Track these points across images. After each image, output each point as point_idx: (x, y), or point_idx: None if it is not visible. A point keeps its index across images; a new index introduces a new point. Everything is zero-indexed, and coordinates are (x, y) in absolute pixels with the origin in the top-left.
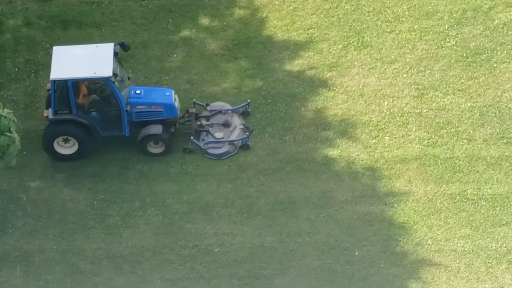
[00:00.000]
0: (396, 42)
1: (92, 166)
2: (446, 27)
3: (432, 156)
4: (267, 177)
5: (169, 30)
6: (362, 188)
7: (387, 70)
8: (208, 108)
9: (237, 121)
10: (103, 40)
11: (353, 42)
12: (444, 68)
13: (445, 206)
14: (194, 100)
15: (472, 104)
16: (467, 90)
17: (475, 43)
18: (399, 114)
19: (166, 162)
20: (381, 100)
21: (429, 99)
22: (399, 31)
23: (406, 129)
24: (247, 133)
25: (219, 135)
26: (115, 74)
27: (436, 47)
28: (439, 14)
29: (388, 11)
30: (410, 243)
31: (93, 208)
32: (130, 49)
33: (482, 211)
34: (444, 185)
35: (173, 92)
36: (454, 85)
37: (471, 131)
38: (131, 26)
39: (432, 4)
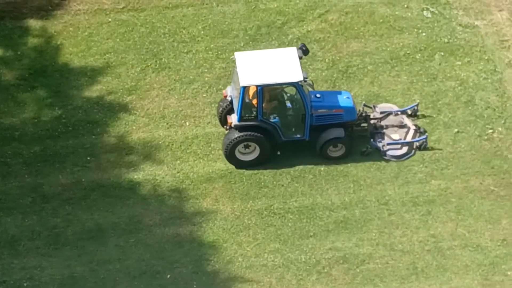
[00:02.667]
0: (194, 62)
1: None
2: (242, 44)
3: (237, 173)
4: (73, 206)
5: None
6: (169, 210)
7: (186, 90)
8: (376, 109)
9: (409, 122)
10: None
11: (150, 64)
12: None
13: (253, 222)
14: (363, 103)
15: None
16: None
17: None
18: (202, 134)
19: None
20: (183, 121)
21: None
22: (196, 51)
23: (209, 148)
24: (426, 134)
25: (395, 136)
26: (304, 78)
27: (234, 65)
28: (234, 32)
29: (184, 31)
30: (221, 262)
31: None
32: (309, 53)
33: (289, 224)
34: (251, 201)
35: (350, 94)
36: None
37: None
38: None
39: (227, 23)
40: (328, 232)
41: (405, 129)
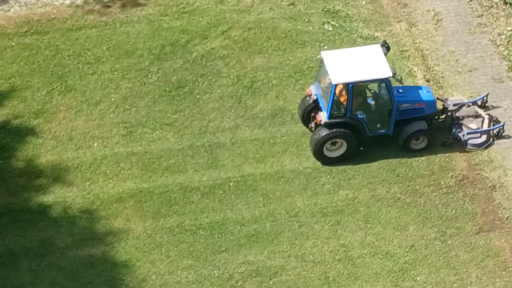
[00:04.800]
0: (100, 83)
1: None
2: (147, 64)
3: (147, 192)
4: None
5: None
6: (81, 232)
7: (93, 111)
8: (449, 102)
9: (482, 112)
10: None
11: (56, 87)
12: (150, 104)
13: (165, 239)
14: (436, 96)
15: (180, 136)
16: (174, 124)
17: (177, 77)
18: (110, 154)
19: None
20: (91, 142)
21: (138, 136)
22: (101, 72)
23: (118, 168)
24: (502, 122)
25: (473, 126)
26: (394, 74)
27: (139, 84)
28: (139, 51)
29: (88, 53)
30: (135, 281)
31: None
32: (390, 50)
33: (201, 240)
34: (162, 219)
35: (430, 89)
36: (161, 120)
37: (182, 163)
38: None
39: (131, 43)
40: (240, 246)
41: (480, 119)
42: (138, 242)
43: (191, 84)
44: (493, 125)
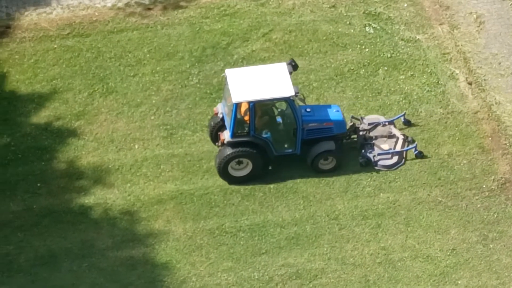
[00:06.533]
0: (141, 85)
1: None
2: (188, 66)
3: (187, 194)
4: (25, 232)
5: None
6: (122, 233)
7: (134, 113)
8: (364, 121)
9: (397, 132)
10: None
11: (98, 89)
12: (190, 106)
13: (205, 241)
14: (351, 115)
15: None
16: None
17: (218, 79)
18: (151, 156)
19: None
20: (132, 144)
21: (179, 138)
22: (142, 74)
23: (159, 170)
24: (415, 143)
25: (385, 146)
26: (296, 93)
27: (180, 86)
28: (180, 54)
29: (130, 55)
30: (175, 282)
31: None
32: (298, 69)
33: (241, 242)
34: (202, 221)
35: (339, 108)
36: (202, 122)
37: None
38: None
39: (172, 45)
40: (280, 248)
41: (394, 139)
42: (178, 244)
43: None
44: (407, 146)
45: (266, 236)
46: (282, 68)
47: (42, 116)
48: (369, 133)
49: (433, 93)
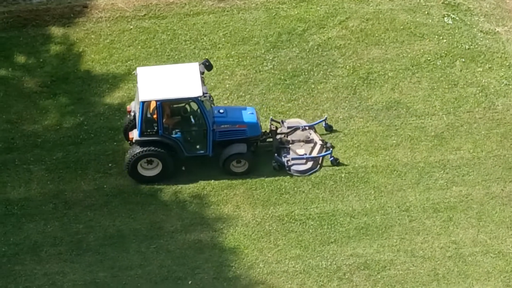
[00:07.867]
0: (215, 69)
1: None
2: (263, 51)
3: (258, 179)
4: (94, 212)
5: None
6: (190, 217)
7: None
8: (284, 124)
9: (316, 137)
10: None
11: None
12: (264, 92)
13: (274, 228)
14: (271, 117)
15: None
16: (288, 112)
17: (292, 65)
18: None
19: None
20: None
21: None
22: (217, 58)
23: None
24: (330, 149)
25: (300, 151)
26: (204, 94)
27: (254, 71)
28: (255, 39)
29: (205, 38)
30: (242, 268)
31: None
32: (212, 69)
33: (310, 230)
34: (272, 208)
35: (255, 110)
36: (275, 108)
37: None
38: None
39: (248, 30)
40: (349, 238)
41: (311, 144)
42: (247, 229)
43: (306, 73)
44: (325, 151)
45: (336, 225)
46: (193, 68)
47: (115, 97)
48: (287, 136)
49: (511, 86)
